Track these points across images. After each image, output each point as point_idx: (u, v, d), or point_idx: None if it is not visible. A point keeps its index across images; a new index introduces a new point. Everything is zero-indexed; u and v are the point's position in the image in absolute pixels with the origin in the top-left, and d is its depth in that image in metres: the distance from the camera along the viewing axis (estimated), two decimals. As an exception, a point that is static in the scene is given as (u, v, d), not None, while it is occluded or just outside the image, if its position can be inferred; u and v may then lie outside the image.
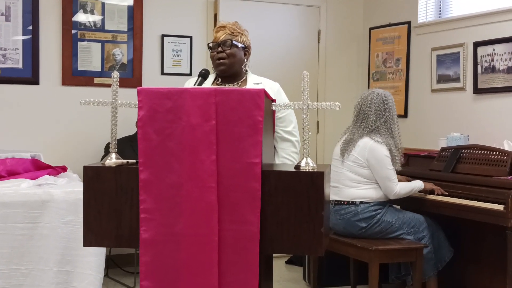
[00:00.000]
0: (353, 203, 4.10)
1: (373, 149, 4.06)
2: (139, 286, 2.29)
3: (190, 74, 5.57)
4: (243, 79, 3.19)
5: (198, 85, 2.94)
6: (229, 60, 3.11)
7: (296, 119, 3.21)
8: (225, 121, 2.22)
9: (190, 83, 3.23)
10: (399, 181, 4.14)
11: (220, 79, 3.19)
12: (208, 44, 3.22)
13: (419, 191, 4.22)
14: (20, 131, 5.10)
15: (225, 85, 3.14)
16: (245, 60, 3.19)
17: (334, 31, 6.21)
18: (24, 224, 3.79)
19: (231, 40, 3.11)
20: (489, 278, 4.15)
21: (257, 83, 3.14)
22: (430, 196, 4.21)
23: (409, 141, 5.38)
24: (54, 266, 3.84)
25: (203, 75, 3.04)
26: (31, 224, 3.80)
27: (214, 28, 3.27)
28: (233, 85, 3.14)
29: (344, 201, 4.13)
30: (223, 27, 3.16)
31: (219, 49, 3.11)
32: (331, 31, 6.19)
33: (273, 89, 3.15)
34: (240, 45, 3.14)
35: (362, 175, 4.10)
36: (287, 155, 3.14)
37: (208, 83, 3.15)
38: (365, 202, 4.09)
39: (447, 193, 4.16)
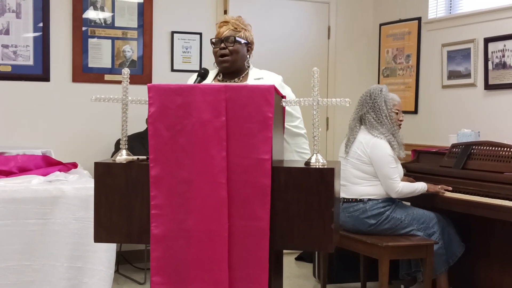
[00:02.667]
0: (361, 200, 4.10)
1: (375, 146, 4.07)
2: (150, 281, 2.30)
3: (200, 71, 5.56)
4: (244, 74, 3.17)
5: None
6: (232, 57, 3.07)
7: (304, 117, 3.21)
8: (235, 117, 2.23)
9: (191, 81, 3.22)
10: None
11: (221, 75, 3.18)
12: (211, 39, 3.17)
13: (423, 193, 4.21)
14: (31, 127, 5.12)
15: (226, 81, 3.13)
16: (248, 56, 3.16)
17: (344, 27, 6.19)
18: (35, 220, 3.80)
19: (234, 37, 3.07)
20: (499, 273, 4.14)
21: (258, 78, 3.11)
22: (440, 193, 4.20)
23: (419, 137, 5.37)
24: (65, 262, 3.86)
25: (202, 74, 3.00)
26: (42, 220, 3.81)
27: (216, 24, 3.24)
28: (234, 81, 3.12)
29: (352, 199, 4.12)
30: (226, 22, 3.12)
31: (222, 45, 3.07)
32: (341, 27, 6.17)
33: (276, 82, 3.13)
34: (243, 41, 3.09)
35: (367, 172, 4.10)
36: (302, 150, 3.14)
37: (209, 79, 3.13)
38: (374, 199, 4.08)
39: (451, 188, 4.16)
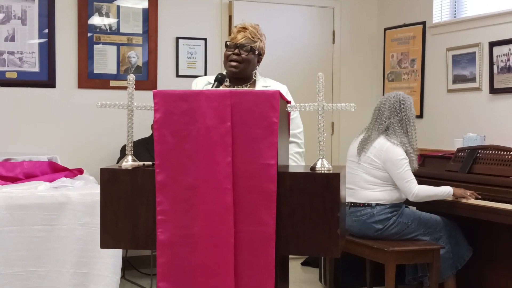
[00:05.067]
0: (369, 205, 4.09)
1: (389, 151, 4.04)
2: (156, 287, 2.30)
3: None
4: (251, 82, 3.19)
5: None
6: (243, 65, 3.10)
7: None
8: (240, 122, 2.23)
9: (197, 82, 3.23)
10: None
11: (228, 80, 3.19)
12: (226, 41, 3.18)
13: (450, 198, 4.12)
14: (37, 134, 5.14)
15: (233, 87, 3.14)
16: (257, 66, 3.19)
17: (349, 32, 6.20)
18: (41, 226, 3.81)
19: (251, 46, 3.09)
20: (505, 278, 4.12)
21: (265, 87, 3.13)
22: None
23: (425, 141, 5.36)
24: (71, 268, 3.87)
25: (220, 79, 3.00)
26: (48, 226, 3.82)
27: (234, 26, 3.22)
28: (242, 87, 3.13)
29: (359, 203, 4.11)
30: (245, 28, 3.13)
31: (236, 51, 3.09)
32: (345, 32, 6.18)
33: (282, 91, 3.13)
34: (256, 52, 3.13)
35: (378, 177, 4.08)
36: (291, 156, 3.12)
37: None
38: (381, 204, 4.07)
39: (480, 197, 4.05)
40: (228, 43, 3.14)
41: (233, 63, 3.09)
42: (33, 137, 5.13)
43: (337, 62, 6.15)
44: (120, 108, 2.43)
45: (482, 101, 4.96)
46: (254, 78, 3.18)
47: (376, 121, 4.16)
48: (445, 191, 4.08)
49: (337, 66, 6.15)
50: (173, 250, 2.26)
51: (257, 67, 3.19)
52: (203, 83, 3.19)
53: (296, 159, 3.17)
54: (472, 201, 4.02)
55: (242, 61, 3.09)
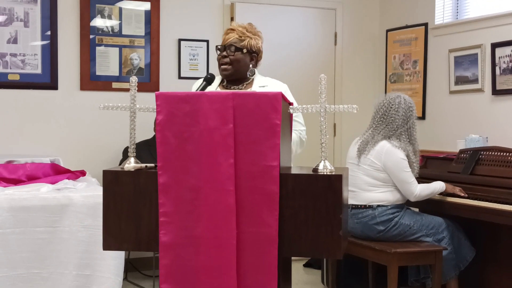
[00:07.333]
0: (370, 206, 4.08)
1: (389, 152, 4.04)
2: (159, 289, 2.31)
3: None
4: (249, 81, 3.18)
5: (201, 89, 2.93)
6: (232, 66, 3.10)
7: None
8: (242, 124, 2.23)
9: (198, 84, 3.23)
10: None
11: (225, 81, 3.19)
12: (216, 46, 3.21)
13: (441, 193, 4.19)
14: (39, 135, 5.14)
15: (230, 88, 3.15)
16: (251, 65, 3.16)
17: (351, 34, 6.20)
18: (43, 228, 3.82)
19: (235, 46, 3.09)
20: (508, 279, 4.12)
21: (263, 86, 3.12)
22: (449, 198, 4.18)
23: (427, 143, 5.36)
24: (74, 269, 3.87)
25: (208, 79, 2.99)
26: (50, 228, 3.83)
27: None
28: (238, 88, 3.14)
29: (361, 205, 4.11)
30: (232, 30, 3.15)
31: (224, 53, 3.11)
32: (347, 33, 6.18)
33: (281, 90, 3.12)
34: (245, 50, 3.11)
35: (379, 179, 4.08)
36: (296, 131, 3.10)
37: (214, 85, 3.14)
38: (383, 206, 4.07)
39: (466, 195, 4.14)
40: (218, 46, 3.17)
41: (223, 66, 3.11)
42: (36, 139, 5.13)
43: (339, 64, 6.15)
44: (123, 110, 2.43)
45: (484, 102, 4.96)
46: (250, 77, 3.17)
47: (387, 126, 4.11)
48: (440, 187, 4.16)
49: (339, 68, 6.15)
50: (176, 252, 2.27)
51: (251, 65, 3.16)
52: (198, 84, 3.20)
53: (301, 135, 3.14)
54: (475, 202, 4.02)
55: (231, 62, 3.09)
